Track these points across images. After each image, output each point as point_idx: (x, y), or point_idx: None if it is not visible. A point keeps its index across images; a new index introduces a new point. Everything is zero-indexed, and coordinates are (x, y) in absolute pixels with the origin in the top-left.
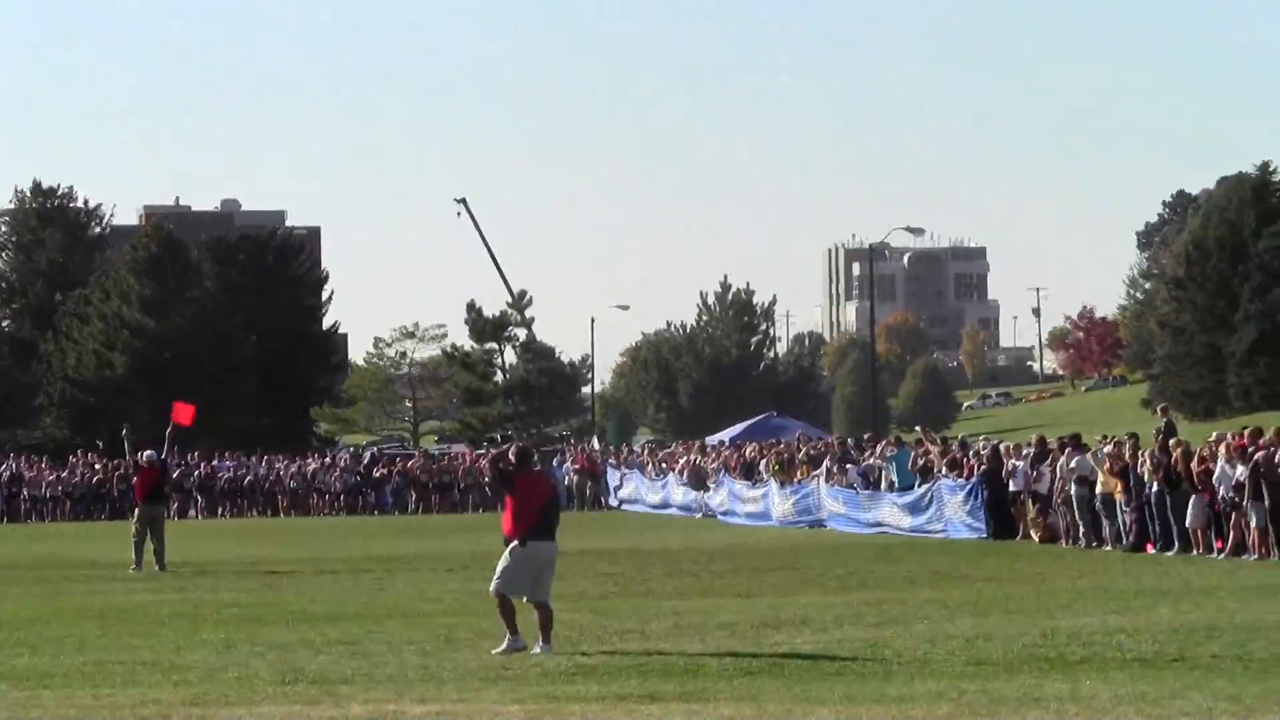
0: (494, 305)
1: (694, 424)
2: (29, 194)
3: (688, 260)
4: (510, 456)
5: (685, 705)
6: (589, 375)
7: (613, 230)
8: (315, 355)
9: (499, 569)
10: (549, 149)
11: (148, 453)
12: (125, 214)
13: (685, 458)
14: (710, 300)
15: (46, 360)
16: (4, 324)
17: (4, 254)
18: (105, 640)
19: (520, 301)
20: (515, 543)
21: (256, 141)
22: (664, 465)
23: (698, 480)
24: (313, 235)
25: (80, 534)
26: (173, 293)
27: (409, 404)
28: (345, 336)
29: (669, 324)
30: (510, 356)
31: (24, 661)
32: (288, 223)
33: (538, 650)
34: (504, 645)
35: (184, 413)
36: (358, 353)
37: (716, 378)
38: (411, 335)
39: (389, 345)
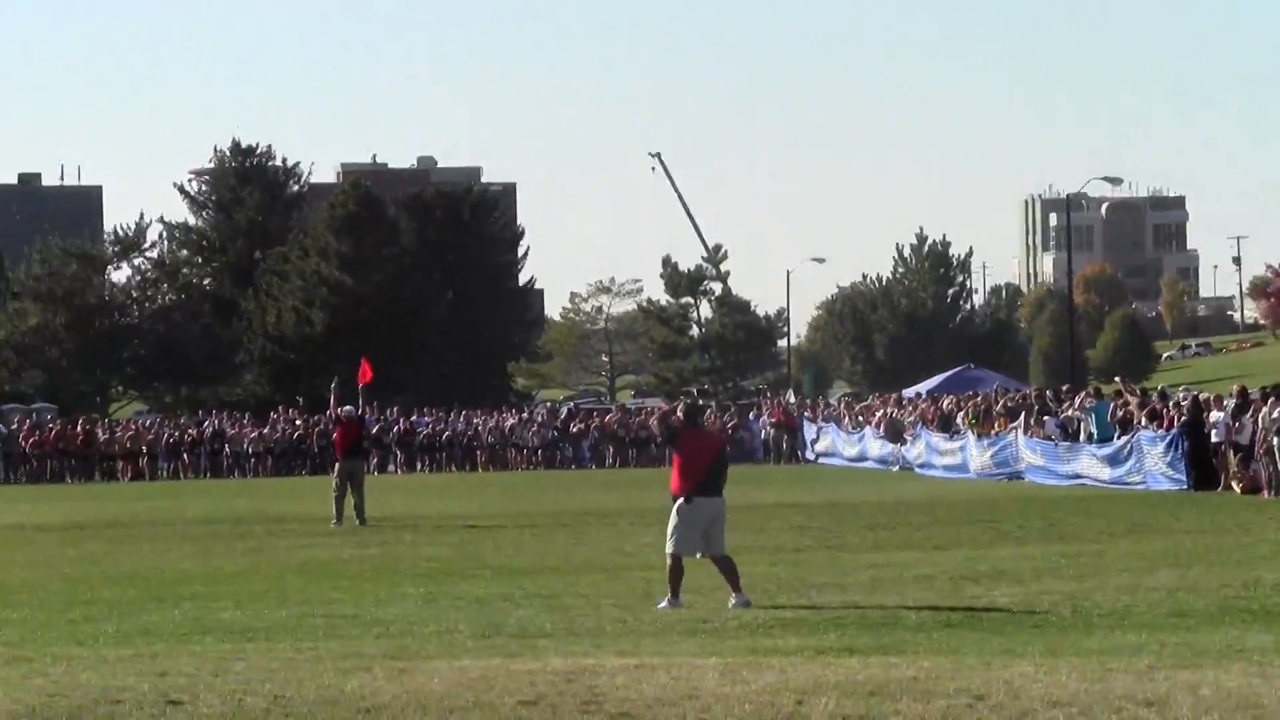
0: (689, 259)
1: (890, 377)
2: (228, 153)
3: (883, 212)
4: (679, 413)
5: (884, 658)
6: (785, 329)
7: (808, 183)
8: (511, 311)
9: (670, 529)
10: (744, 102)
11: (347, 408)
12: (323, 172)
13: (882, 411)
14: (906, 252)
15: (247, 318)
16: (205, 282)
17: (204, 213)
18: (307, 594)
19: (716, 255)
20: (681, 499)
21: (452, 98)
22: (860, 418)
23: (894, 433)
24: (508, 191)
25: (281, 490)
26: (370, 250)
27: (605, 358)
28: (541, 292)
29: (865, 276)
30: (706, 310)
31: (228, 615)
32: (483, 179)
33: (733, 603)
34: (664, 603)
35: (365, 372)
36: (554, 308)
37: (913, 330)
38: (607, 290)
39: (585, 300)
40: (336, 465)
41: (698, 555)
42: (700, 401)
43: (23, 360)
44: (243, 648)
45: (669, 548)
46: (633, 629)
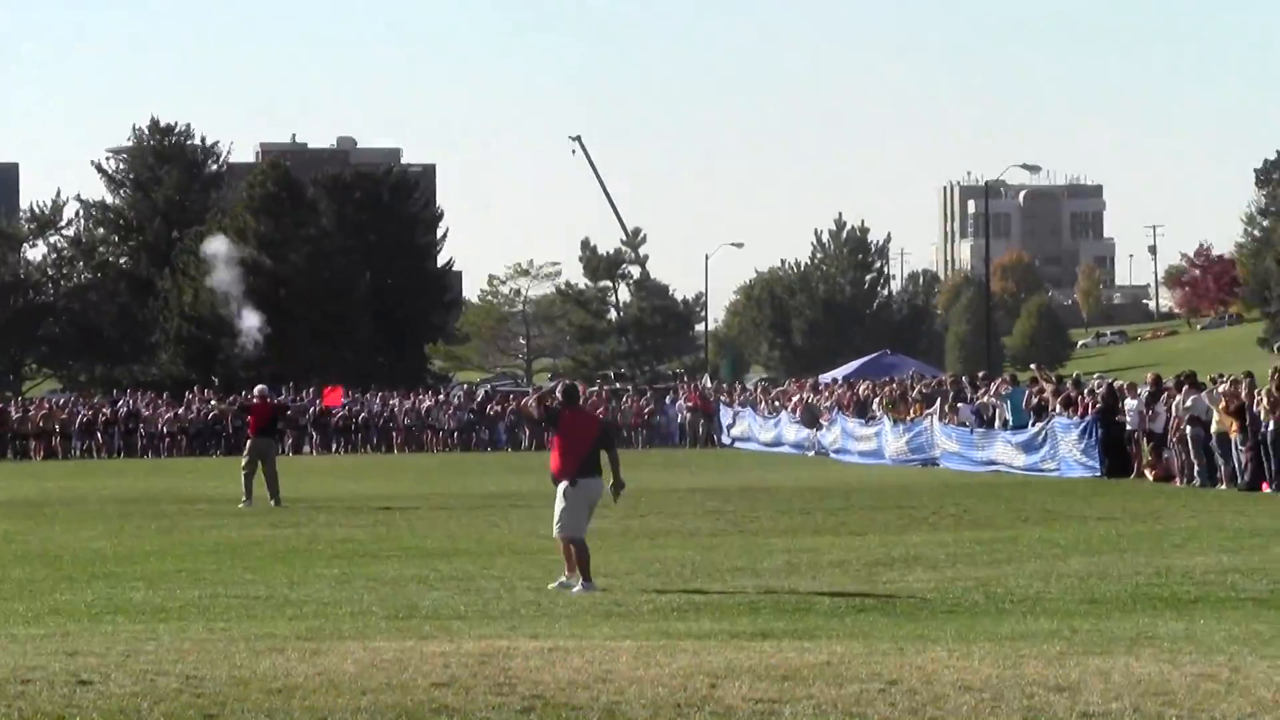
0: (608, 243)
1: (807, 362)
2: (147, 131)
3: (802, 197)
4: (557, 394)
5: (797, 643)
6: (702, 313)
7: (727, 167)
8: (430, 292)
9: (558, 512)
10: (663, 85)
11: (260, 387)
12: (242, 152)
13: (798, 396)
14: (825, 238)
15: (164, 297)
16: (122, 261)
17: (122, 191)
18: (220, 574)
19: (634, 239)
20: (566, 483)
21: (372, 78)
22: (777, 403)
23: (811, 418)
24: (428, 172)
25: (195, 470)
26: (289, 230)
27: (522, 341)
28: (459, 274)
29: (783, 261)
30: (624, 294)
31: (140, 595)
32: (403, 160)
33: (578, 589)
34: (559, 581)
35: (334, 396)
36: (472, 290)
37: (830, 315)
38: (525, 273)
39: (503, 282)
40: (248, 443)
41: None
42: (568, 383)
43: None
44: (155, 628)
45: (558, 532)
46: (547, 611)
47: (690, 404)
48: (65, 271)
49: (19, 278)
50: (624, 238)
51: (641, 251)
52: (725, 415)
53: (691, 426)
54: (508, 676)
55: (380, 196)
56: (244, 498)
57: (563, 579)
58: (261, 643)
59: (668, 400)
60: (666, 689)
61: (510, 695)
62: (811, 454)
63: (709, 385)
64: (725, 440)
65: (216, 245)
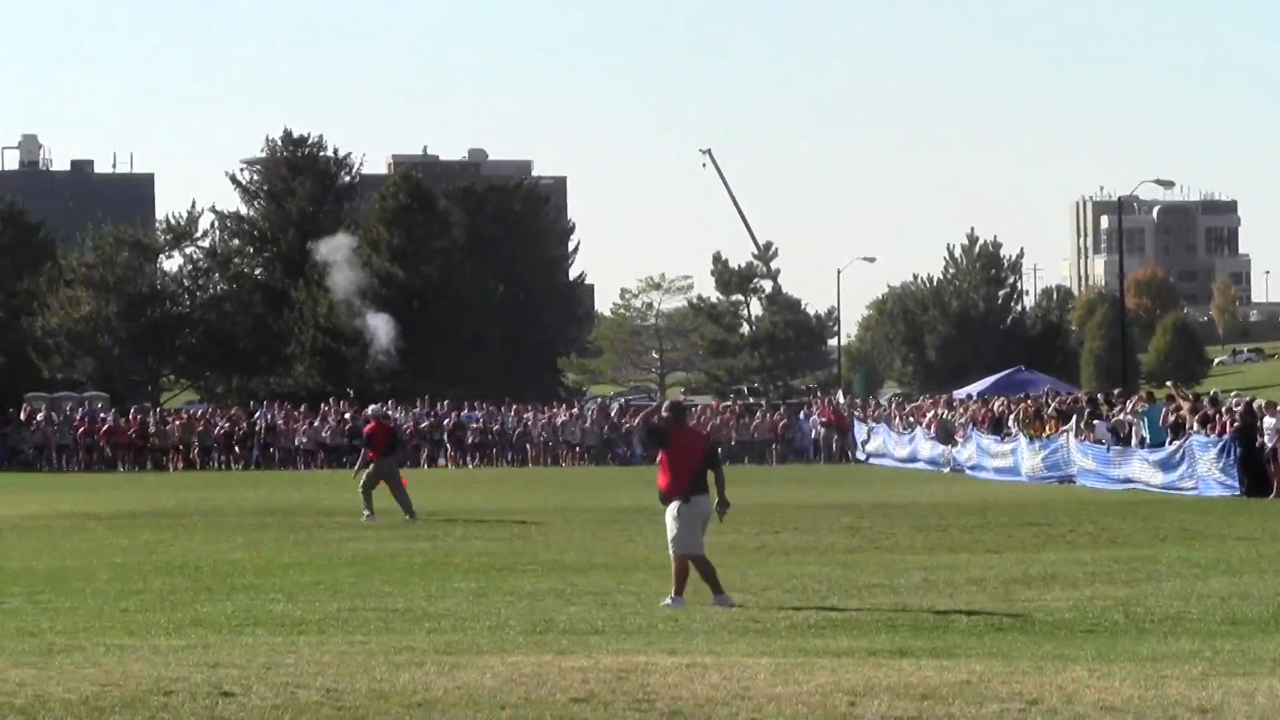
0: (740, 256)
1: (941, 377)
2: (280, 143)
3: (935, 212)
4: (663, 412)
5: (936, 661)
6: (835, 328)
7: (859, 181)
8: (562, 306)
9: (673, 531)
10: (796, 99)
11: (373, 408)
12: (374, 163)
13: (932, 411)
14: (957, 253)
15: (298, 309)
16: (257, 272)
17: (256, 202)
18: (359, 587)
19: (766, 253)
20: (678, 501)
21: (503, 91)
22: (911, 419)
23: (945, 434)
24: (559, 185)
25: (333, 481)
26: (421, 242)
27: (655, 355)
28: (591, 287)
29: (915, 276)
30: (756, 308)
31: (279, 608)
32: (534, 173)
33: (712, 604)
34: (668, 601)
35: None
36: (604, 303)
37: (963, 331)
38: (658, 286)
39: (635, 296)
40: (372, 465)
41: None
42: (675, 400)
43: (75, 348)
44: (295, 640)
45: (676, 549)
46: (684, 627)
47: (824, 419)
48: (201, 282)
49: (155, 289)
50: (755, 251)
51: (773, 265)
52: (860, 430)
53: (826, 442)
54: (646, 692)
55: (512, 209)
56: (366, 511)
57: (669, 600)
58: (400, 656)
59: (801, 415)
60: (805, 706)
61: (649, 711)
62: (947, 470)
63: (842, 400)
64: (860, 456)
65: (333, 245)
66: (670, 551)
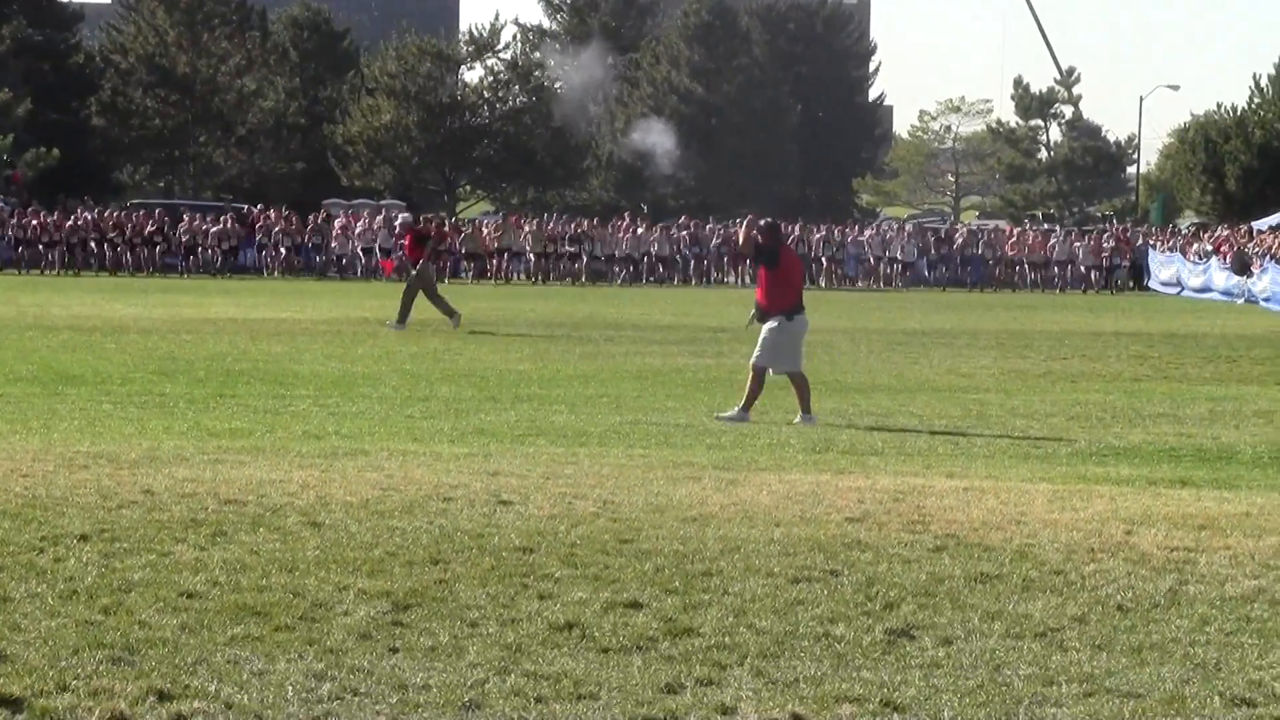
0: (1041, 81)
1: (1240, 208)
2: None
3: (1240, 40)
4: (765, 229)
5: (1217, 492)
6: (1134, 155)
7: (1164, 7)
8: (860, 126)
9: (769, 345)
10: None
11: (403, 216)
12: None
13: (1230, 242)
14: (1263, 82)
15: (596, 122)
16: (557, 85)
17: (559, 16)
18: (641, 401)
19: (1068, 78)
20: (782, 317)
21: None
22: (1207, 248)
23: (1241, 265)
24: (862, 5)
25: (625, 296)
26: (722, 60)
27: (951, 178)
28: (890, 109)
29: (1219, 105)
30: (1055, 134)
31: (562, 419)
32: None
33: (798, 421)
34: (732, 413)
35: (388, 266)
36: (902, 125)
37: (1265, 162)
38: (957, 109)
39: (934, 119)
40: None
41: (776, 372)
42: (770, 219)
43: (374, 156)
44: (575, 452)
45: (763, 362)
46: (964, 451)
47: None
48: (500, 94)
49: (455, 99)
50: (1057, 76)
51: (1075, 91)
52: (1154, 259)
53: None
54: (921, 514)
55: (814, 28)
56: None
57: (734, 413)
58: (679, 471)
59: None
60: (1081, 533)
61: (923, 533)
62: (1240, 301)
63: (1140, 229)
64: (1153, 285)
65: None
66: (753, 363)
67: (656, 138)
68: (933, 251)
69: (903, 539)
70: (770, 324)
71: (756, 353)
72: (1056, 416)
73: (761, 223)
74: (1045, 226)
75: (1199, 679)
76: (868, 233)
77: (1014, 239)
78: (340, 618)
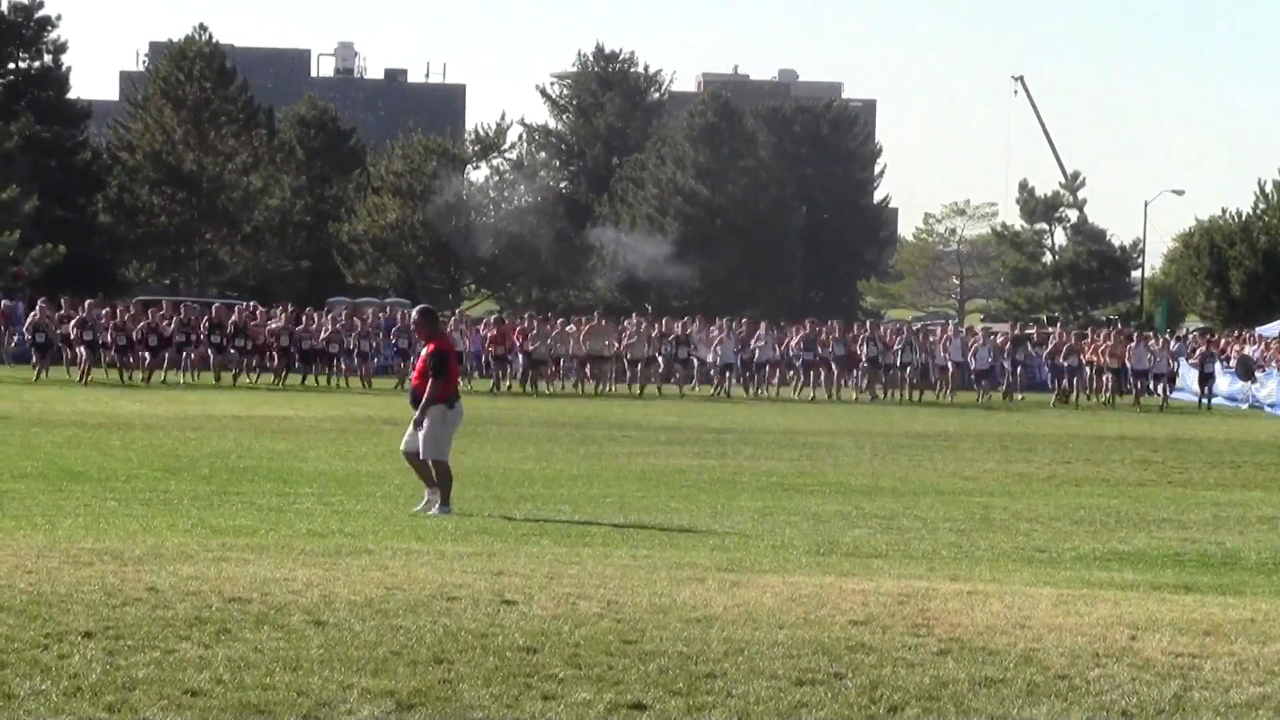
0: (1046, 185)
1: (1244, 313)
2: (591, 58)
3: (1245, 146)
4: (418, 317)
5: (1222, 597)
6: (1139, 259)
7: (1169, 113)
8: (865, 228)
9: (431, 435)
10: (1108, 29)
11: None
12: (684, 81)
13: (1234, 347)
14: (1268, 188)
15: (600, 223)
16: (562, 186)
17: (565, 116)
18: (645, 502)
19: (1073, 182)
20: (443, 405)
21: (816, 11)
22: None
23: (1245, 370)
24: (868, 108)
25: (631, 395)
26: (727, 161)
27: (955, 281)
28: (895, 211)
29: (1224, 210)
30: (1060, 237)
31: (565, 518)
32: (844, 95)
33: (435, 511)
34: (424, 503)
35: None
36: (907, 228)
37: (1270, 268)
38: (962, 212)
39: (939, 221)
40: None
41: (407, 455)
42: (425, 305)
43: (379, 254)
44: (579, 552)
45: (432, 454)
46: (968, 554)
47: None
48: (506, 194)
49: (461, 198)
50: (1063, 180)
51: (1080, 195)
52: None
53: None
54: (926, 617)
55: (819, 130)
56: None
57: (426, 501)
58: (683, 571)
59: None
60: (1085, 638)
61: (927, 636)
62: (1245, 406)
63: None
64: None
65: None
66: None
67: (654, 248)
68: (1005, 355)
69: (907, 642)
70: (434, 414)
71: (424, 445)
72: (1060, 520)
73: (417, 310)
74: (1049, 331)
75: None
76: (945, 336)
77: (1095, 341)
78: (344, 717)
